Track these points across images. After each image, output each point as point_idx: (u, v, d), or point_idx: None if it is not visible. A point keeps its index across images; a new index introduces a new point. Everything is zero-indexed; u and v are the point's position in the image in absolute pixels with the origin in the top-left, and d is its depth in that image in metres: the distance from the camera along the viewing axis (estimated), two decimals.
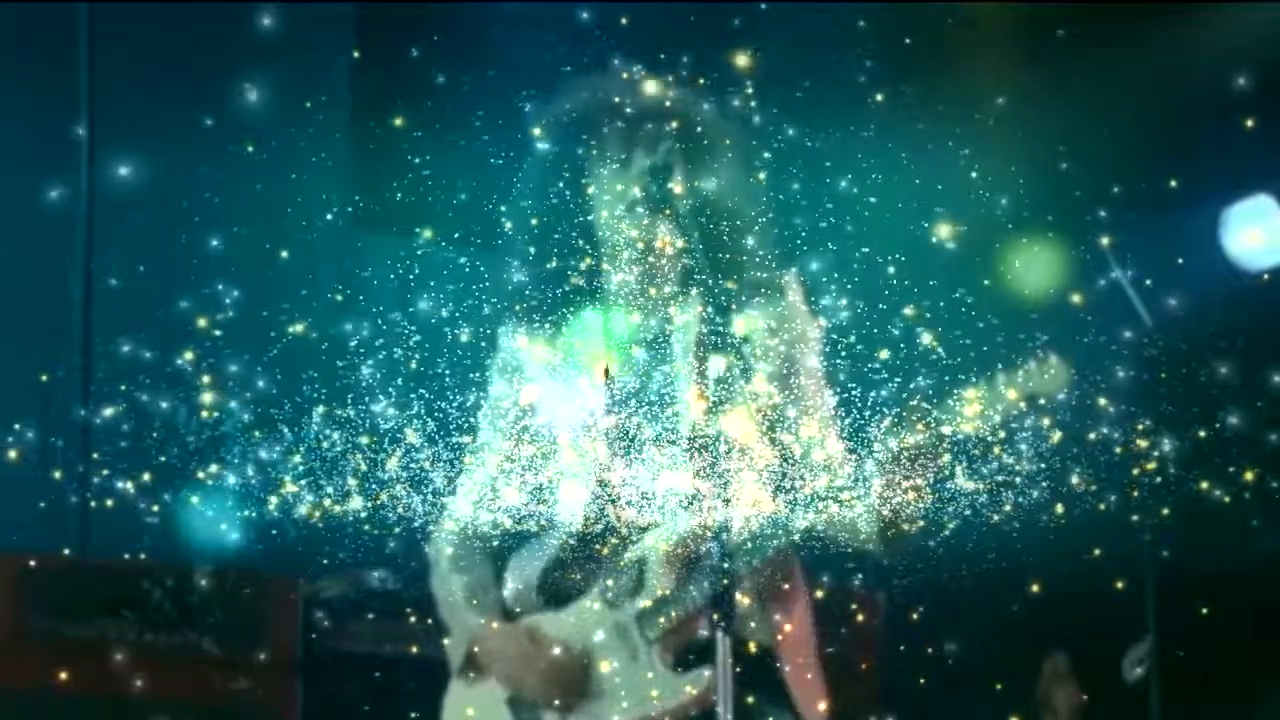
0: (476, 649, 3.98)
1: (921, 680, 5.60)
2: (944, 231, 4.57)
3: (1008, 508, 4.00)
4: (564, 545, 3.96)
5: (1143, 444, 4.64)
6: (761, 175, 4.12)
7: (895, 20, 5.28)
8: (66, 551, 5.37)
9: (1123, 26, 5.52)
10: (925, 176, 4.74)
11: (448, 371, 4.16)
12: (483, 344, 4.15)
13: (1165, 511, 5.01)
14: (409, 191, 4.73)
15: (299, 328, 4.83)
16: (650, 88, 4.06)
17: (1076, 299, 4.92)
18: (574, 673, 3.93)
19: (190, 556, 5.05)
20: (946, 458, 3.78)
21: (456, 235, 4.76)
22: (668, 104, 4.03)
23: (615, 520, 3.93)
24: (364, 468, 4.15)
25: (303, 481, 4.28)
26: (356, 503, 4.17)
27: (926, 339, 4.27)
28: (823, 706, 3.94)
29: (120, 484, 5.05)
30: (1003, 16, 5.55)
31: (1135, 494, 4.79)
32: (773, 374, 3.93)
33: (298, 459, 4.32)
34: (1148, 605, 5.27)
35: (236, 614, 5.08)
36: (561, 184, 4.04)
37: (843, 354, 4.07)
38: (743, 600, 3.86)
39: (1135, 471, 4.71)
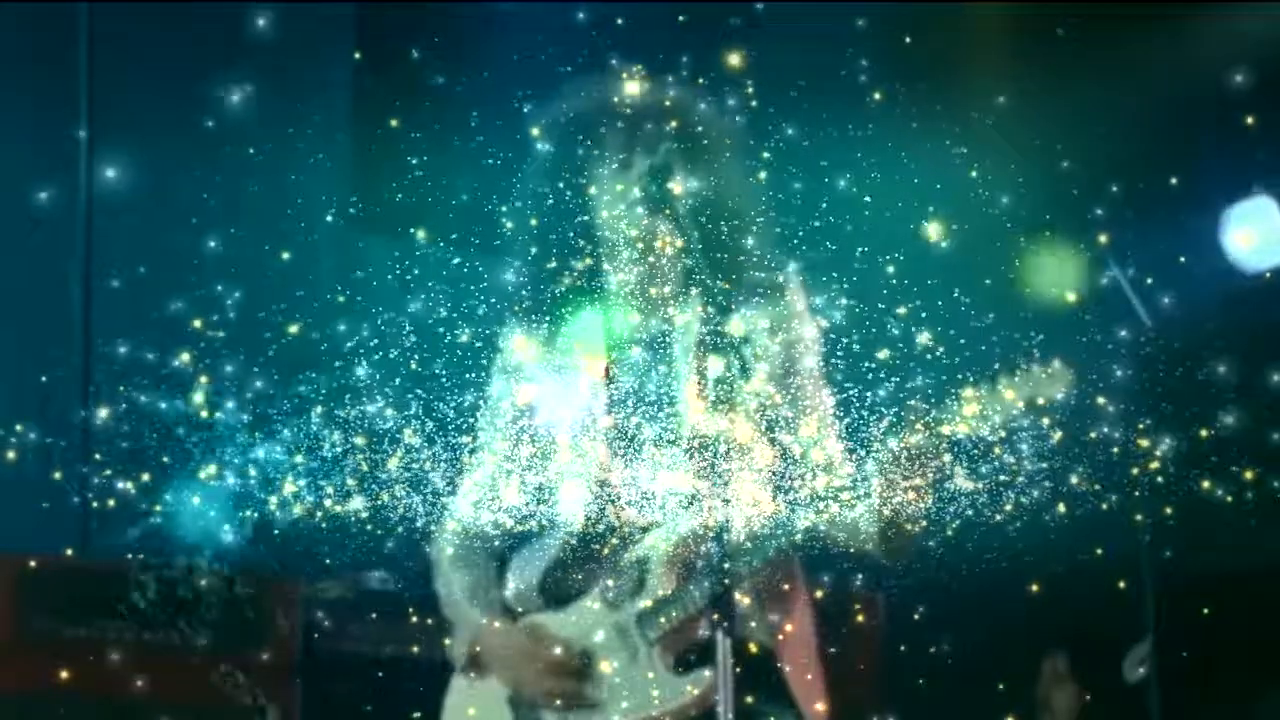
0: (478, 648, 3.98)
1: (921, 680, 5.60)
2: (943, 231, 4.56)
3: (1007, 508, 4.01)
4: (565, 545, 3.97)
5: (1143, 444, 4.64)
6: (761, 174, 4.12)
7: (894, 19, 5.28)
8: (70, 552, 5.37)
9: (1122, 26, 5.52)
10: (925, 176, 4.74)
11: (448, 372, 4.16)
12: (482, 344, 4.15)
13: (1166, 511, 5.01)
14: (408, 192, 4.73)
15: (298, 328, 4.83)
16: (649, 87, 4.06)
17: (1076, 299, 4.92)
18: (574, 672, 3.93)
19: (190, 557, 5.05)
20: (946, 458, 3.78)
21: (456, 236, 4.77)
22: (667, 104, 4.03)
23: (616, 520, 3.93)
24: (364, 468, 4.16)
25: (302, 482, 4.29)
26: (356, 503, 4.17)
27: (925, 339, 4.27)
28: (822, 706, 3.94)
29: (120, 484, 5.06)
30: (1002, 16, 5.55)
31: (1135, 494, 4.79)
32: (772, 374, 3.93)
33: (297, 459, 4.32)
34: (1147, 605, 5.26)
35: (236, 614, 5.08)
36: (561, 184, 4.03)
37: (842, 354, 4.07)
38: (743, 600, 3.86)
39: (1135, 471, 4.71)
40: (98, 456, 5.35)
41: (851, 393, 3.97)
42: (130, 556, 5.05)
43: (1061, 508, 4.16)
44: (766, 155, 4.19)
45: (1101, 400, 4.26)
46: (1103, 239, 5.14)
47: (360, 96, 5.90)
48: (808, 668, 3.95)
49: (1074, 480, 4.18)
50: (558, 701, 3.92)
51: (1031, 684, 5.96)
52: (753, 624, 3.91)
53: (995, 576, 4.53)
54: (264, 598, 5.13)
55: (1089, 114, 5.32)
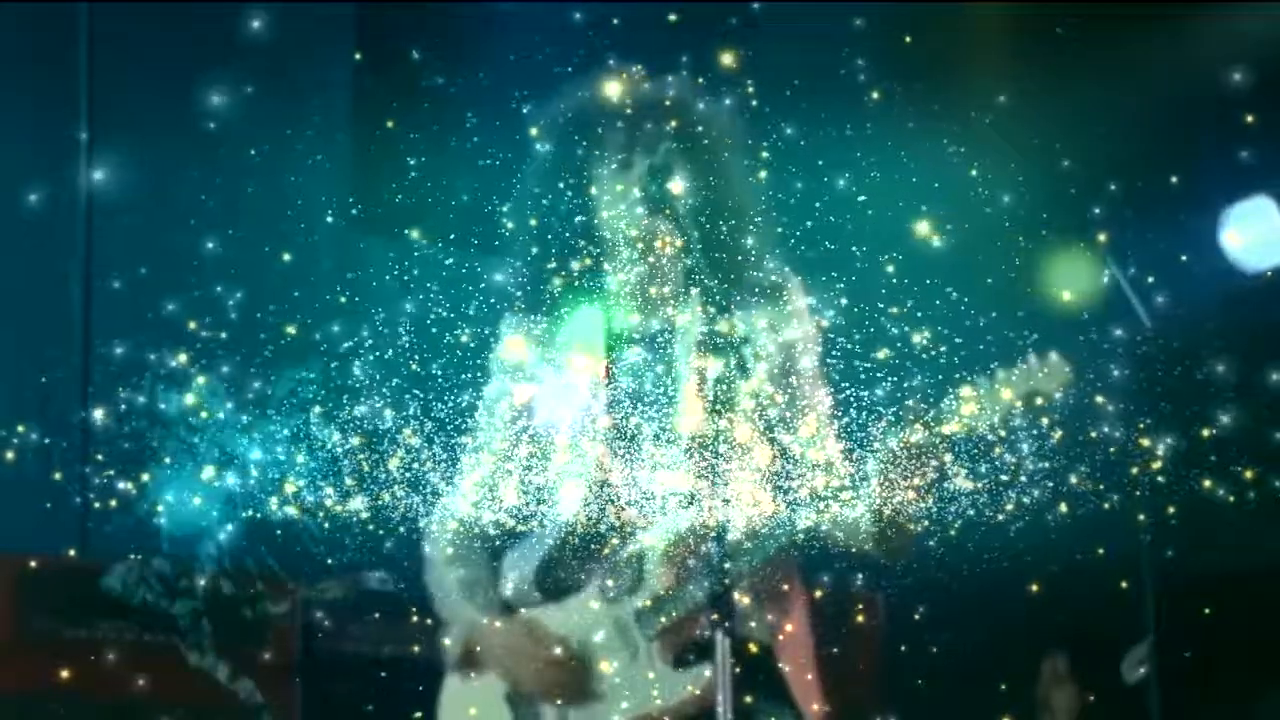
0: (474, 645, 3.98)
1: (921, 680, 5.60)
2: (943, 231, 4.57)
3: (1008, 507, 4.01)
4: (561, 542, 3.97)
5: (1143, 444, 4.64)
6: (761, 174, 4.12)
7: (893, 19, 5.28)
8: (73, 552, 5.37)
9: (1122, 26, 5.51)
10: (924, 175, 4.74)
11: (447, 372, 4.16)
12: (482, 344, 4.15)
13: (1166, 511, 5.01)
14: (408, 193, 4.74)
15: (297, 329, 4.84)
16: (648, 87, 4.06)
17: (1075, 298, 4.92)
18: (572, 670, 3.93)
19: (190, 558, 5.06)
20: (945, 458, 3.78)
21: (455, 236, 4.77)
22: (666, 103, 4.03)
23: (614, 518, 3.94)
24: (364, 468, 4.16)
25: (301, 482, 4.29)
26: (356, 503, 4.17)
27: (924, 338, 4.27)
28: (820, 707, 3.94)
29: (120, 485, 5.06)
30: (1002, 16, 5.55)
31: (1135, 494, 4.79)
32: (772, 374, 3.93)
33: (297, 460, 4.32)
34: (1147, 606, 5.26)
35: (236, 615, 5.09)
36: (560, 184, 4.04)
37: (840, 353, 4.07)
38: (742, 600, 3.86)
39: (1135, 470, 4.71)
40: (100, 457, 5.35)
41: (850, 392, 3.97)
42: (130, 557, 5.06)
43: (1061, 508, 4.17)
44: (765, 155, 4.19)
45: (1100, 399, 4.26)
46: (1102, 239, 5.14)
47: (360, 97, 5.90)
48: (806, 668, 3.95)
49: (1073, 480, 4.18)
50: (556, 699, 3.92)
51: (1031, 684, 5.96)
52: (751, 623, 3.91)
53: (995, 577, 4.53)
54: (263, 598, 5.14)
55: (1089, 114, 5.32)
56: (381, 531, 4.19)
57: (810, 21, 5.33)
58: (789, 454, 3.87)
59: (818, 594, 4.10)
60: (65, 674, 4.89)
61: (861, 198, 4.58)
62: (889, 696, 5.59)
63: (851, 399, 3.95)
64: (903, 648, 5.61)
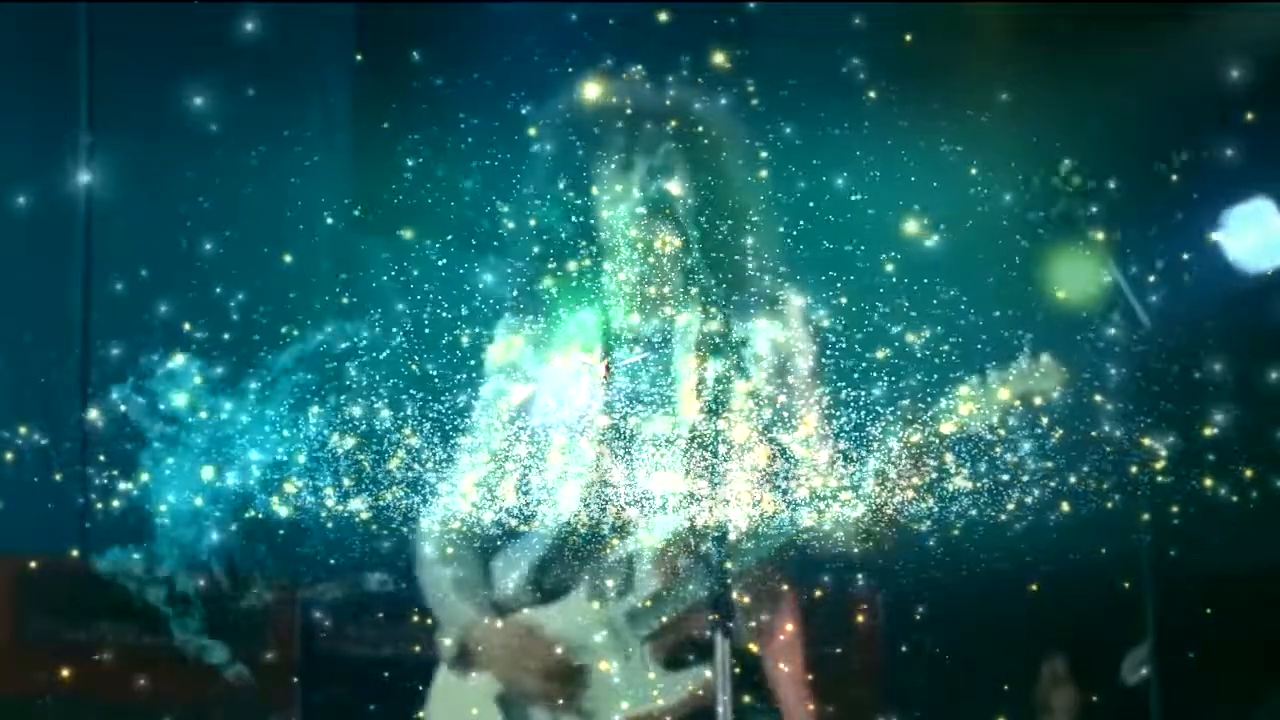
0: (466, 644, 3.99)
1: (919, 682, 5.60)
2: (942, 230, 4.56)
3: (1009, 507, 4.01)
4: (555, 542, 3.97)
5: (1143, 444, 4.63)
6: (762, 173, 4.13)
7: (892, 19, 5.27)
8: (75, 553, 5.37)
9: (1122, 26, 5.51)
10: (922, 174, 4.73)
11: (445, 372, 4.16)
12: (481, 344, 4.15)
13: (1166, 512, 5.00)
14: (408, 194, 4.73)
15: (297, 330, 4.83)
16: (648, 88, 4.06)
17: (1075, 298, 4.91)
18: (565, 671, 3.93)
19: (190, 559, 5.05)
20: (942, 458, 3.78)
21: (455, 237, 4.76)
22: (665, 104, 4.03)
23: (606, 518, 3.94)
24: (365, 469, 4.16)
25: (302, 483, 4.29)
26: (356, 504, 4.18)
27: (922, 338, 4.27)
28: (811, 709, 3.95)
29: (121, 486, 5.05)
30: (1000, 15, 5.54)
31: (1136, 494, 4.78)
32: (769, 376, 3.94)
33: (296, 461, 4.32)
34: (1147, 607, 5.26)
35: (236, 616, 5.09)
36: (560, 185, 4.04)
37: (839, 353, 4.07)
38: (740, 601, 3.87)
39: (1134, 470, 4.71)
40: (101, 458, 5.35)
41: (848, 392, 3.97)
42: (130, 558, 5.05)
43: (1060, 509, 4.16)
44: (764, 154, 4.19)
45: (1099, 399, 4.26)
46: (1101, 238, 5.13)
47: (360, 98, 5.89)
48: (797, 671, 3.96)
49: (1073, 480, 4.18)
50: (548, 700, 3.92)
51: (1031, 685, 5.95)
52: (744, 626, 3.91)
53: (993, 578, 4.53)
54: (263, 599, 5.14)
55: (1089, 114, 5.32)
56: (383, 531, 4.19)
57: (808, 20, 5.33)
58: (785, 455, 3.88)
59: (816, 594, 4.11)
60: (65, 676, 4.90)
61: (858, 197, 4.57)
62: (887, 698, 5.59)
63: (849, 399, 3.95)
64: (902, 648, 5.61)
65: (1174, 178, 5.36)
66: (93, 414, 5.36)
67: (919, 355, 4.25)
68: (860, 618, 5.48)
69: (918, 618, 5.36)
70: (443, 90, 5.24)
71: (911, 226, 4.57)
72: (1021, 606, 5.25)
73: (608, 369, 4.03)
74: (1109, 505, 4.45)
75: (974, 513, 4.00)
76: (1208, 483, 4.94)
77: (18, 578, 4.98)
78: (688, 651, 3.92)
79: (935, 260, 4.59)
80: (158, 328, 5.17)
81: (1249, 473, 5.09)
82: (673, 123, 4.01)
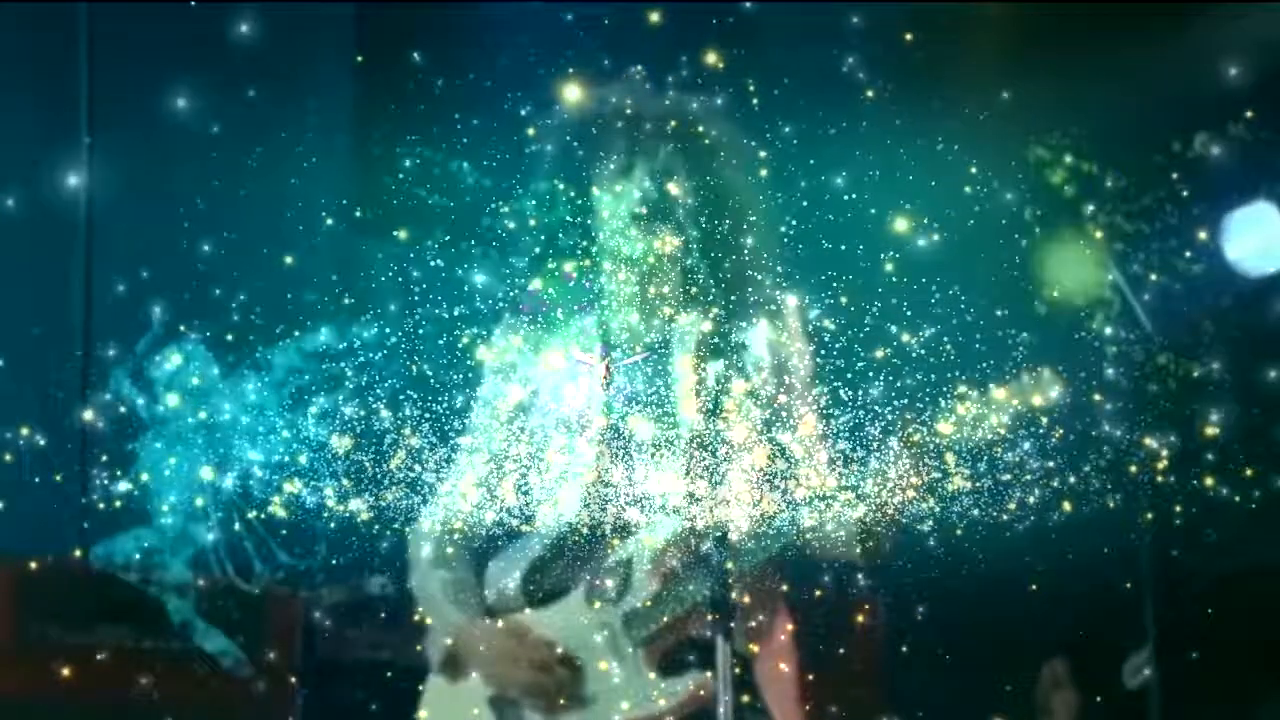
0: (459, 647, 3.99)
1: (918, 683, 5.59)
2: (940, 230, 4.56)
3: (1010, 506, 4.00)
4: (549, 545, 3.97)
5: (1143, 444, 4.63)
6: (762, 172, 4.13)
7: (890, 18, 5.27)
8: (79, 553, 5.37)
9: (1122, 26, 5.50)
10: (920, 174, 4.73)
11: (445, 373, 4.16)
12: (480, 345, 4.15)
13: (1166, 512, 5.00)
14: (408, 195, 4.73)
15: (298, 330, 4.83)
16: (648, 89, 4.07)
17: (1075, 298, 4.91)
18: (559, 675, 3.93)
19: (191, 560, 5.06)
20: (942, 458, 3.79)
21: (455, 237, 4.76)
22: (666, 104, 4.04)
23: (603, 521, 3.94)
24: (365, 469, 4.16)
25: (302, 484, 4.29)
26: (356, 504, 4.18)
27: (921, 339, 4.27)
28: (806, 709, 3.95)
29: (121, 487, 5.06)
30: (1000, 15, 5.53)
31: (1136, 494, 4.78)
32: (768, 377, 3.94)
33: (296, 461, 4.32)
34: (1148, 609, 5.25)
35: (237, 618, 5.09)
36: (560, 186, 4.04)
37: (837, 352, 4.07)
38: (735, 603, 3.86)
39: (1134, 469, 4.70)
40: (104, 458, 5.35)
41: (846, 392, 3.97)
42: (131, 560, 5.06)
43: (1059, 510, 4.16)
44: (764, 154, 4.19)
45: (1099, 399, 4.26)
46: (1101, 238, 5.13)
47: (360, 98, 5.89)
48: (793, 672, 3.96)
49: (1072, 480, 4.18)
50: (541, 704, 3.92)
51: (1031, 686, 5.95)
52: (741, 627, 3.91)
53: (993, 578, 4.53)
54: (263, 600, 5.14)
55: (1088, 114, 5.32)
56: (382, 531, 4.19)
57: (806, 19, 5.32)
58: (781, 457, 3.88)
59: (816, 594, 4.11)
60: (65, 678, 4.90)
61: (857, 197, 4.57)
62: (886, 698, 5.58)
63: (848, 399, 3.95)
64: (902, 648, 5.61)
65: (1174, 177, 5.36)
66: (93, 415, 5.37)
67: (918, 355, 4.25)
68: (860, 618, 5.48)
69: (918, 618, 5.36)
70: (443, 91, 5.24)
71: (911, 226, 4.56)
72: (1021, 607, 5.25)
73: (608, 369, 4.03)
74: (1110, 505, 4.45)
75: (975, 512, 4.00)
76: (1208, 482, 4.94)
77: (18, 579, 4.97)
78: (684, 654, 3.92)
79: (935, 260, 4.59)
80: (158, 328, 5.17)
81: (1249, 472, 5.08)
82: (672, 123, 4.01)
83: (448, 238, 4.64)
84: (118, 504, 5.10)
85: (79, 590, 5.04)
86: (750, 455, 3.84)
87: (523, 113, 4.28)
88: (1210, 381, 5.22)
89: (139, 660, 4.99)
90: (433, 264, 4.62)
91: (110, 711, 4.97)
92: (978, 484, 3.95)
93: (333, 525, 4.27)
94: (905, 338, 4.23)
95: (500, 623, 3.99)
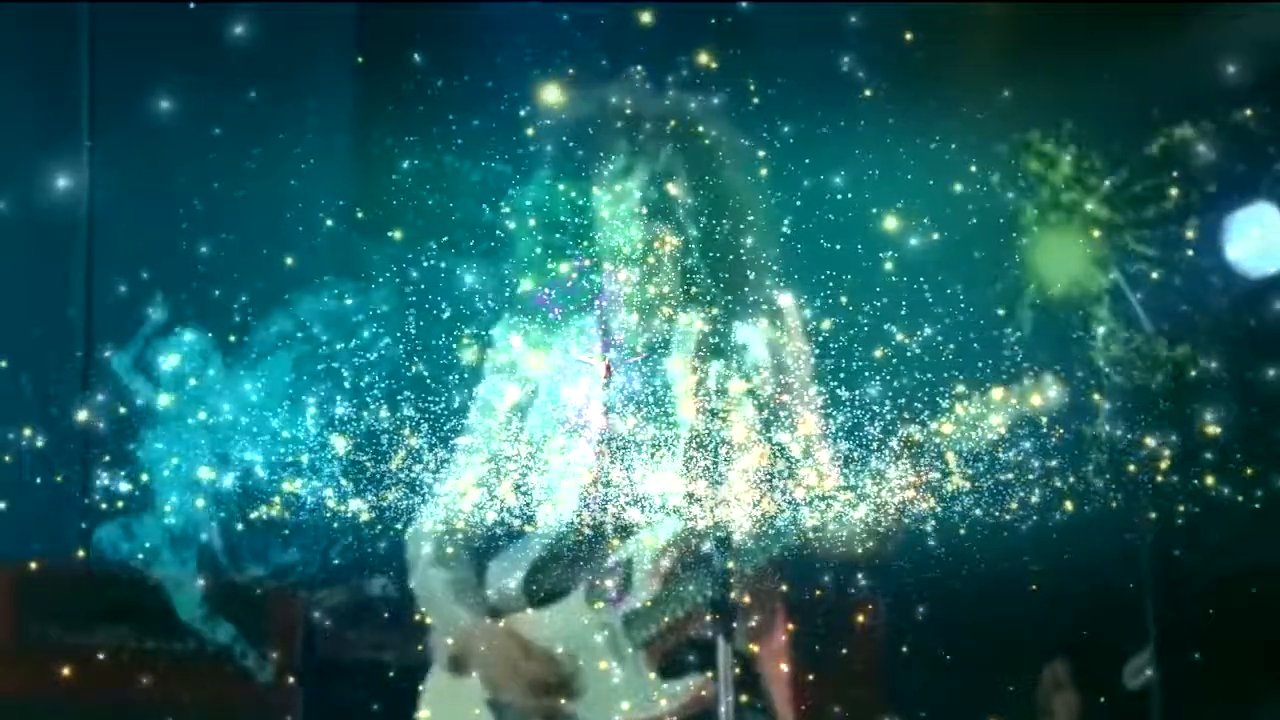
0: (459, 648, 3.99)
1: (919, 683, 5.60)
2: (939, 230, 4.57)
3: (1012, 506, 4.01)
4: (550, 546, 3.97)
5: (1143, 444, 4.63)
6: (762, 171, 4.13)
7: (890, 17, 5.27)
8: (81, 553, 5.37)
9: (1121, 26, 5.50)
10: (919, 174, 4.73)
11: (444, 373, 4.16)
12: (480, 344, 4.15)
13: (1167, 512, 5.00)
14: (408, 195, 4.73)
15: (298, 331, 4.84)
16: (649, 90, 4.07)
17: (1074, 297, 4.91)
18: (558, 676, 3.93)
19: (191, 562, 5.06)
20: (940, 460, 3.79)
21: (455, 238, 4.76)
22: (666, 105, 4.04)
23: (603, 522, 3.94)
24: (365, 469, 4.16)
25: (302, 484, 4.29)
26: (356, 504, 4.18)
27: (920, 339, 4.27)
28: (804, 709, 3.95)
29: (122, 489, 5.06)
30: (1000, 14, 5.54)
31: (1137, 495, 4.78)
32: (767, 380, 3.94)
33: (298, 462, 4.33)
34: (1148, 610, 5.25)
35: (237, 619, 5.09)
36: (560, 186, 4.04)
37: (836, 353, 4.07)
38: (739, 603, 3.87)
39: (1133, 469, 4.71)
40: (106, 458, 5.35)
41: (845, 392, 3.97)
42: (131, 561, 5.06)
43: (1063, 508, 4.16)
44: (762, 154, 4.19)
45: (1098, 399, 4.26)
46: (1101, 238, 5.14)
47: (360, 98, 5.89)
48: (793, 672, 3.96)
49: (1073, 480, 4.18)
50: (541, 705, 3.92)
51: (1032, 686, 5.95)
52: (741, 627, 3.91)
53: (992, 580, 4.53)
54: (264, 602, 5.14)
55: (1088, 115, 5.32)
56: (383, 531, 4.19)
57: (805, 19, 5.33)
58: (780, 460, 3.88)
59: (816, 594, 4.11)
60: (66, 679, 4.90)
61: (855, 196, 4.57)
62: (887, 698, 5.59)
63: (847, 399, 3.95)
64: (902, 649, 5.61)
65: (1174, 175, 5.36)
66: (93, 415, 5.37)
67: (918, 355, 4.25)
68: (860, 618, 5.48)
69: (918, 618, 5.36)
70: (442, 91, 5.24)
71: (910, 226, 4.57)
72: (1022, 607, 5.25)
73: (608, 369, 4.03)
74: (1111, 505, 4.45)
75: (976, 512, 4.00)
76: (1209, 482, 4.94)
77: (19, 582, 4.98)
78: (685, 655, 3.92)
79: (934, 259, 4.59)
80: (158, 326, 5.17)
81: (1250, 472, 5.09)
82: (671, 123, 4.01)
83: (446, 238, 4.65)
84: (119, 504, 5.11)
85: (79, 590, 5.04)
86: (750, 455, 3.84)
87: (522, 113, 4.28)
88: (1210, 381, 5.22)
89: (139, 660, 4.99)
90: (432, 264, 4.62)
91: (110, 711, 4.97)
92: (978, 484, 3.95)
93: (335, 525, 4.27)
94: (904, 337, 4.23)
95: (501, 623, 3.99)
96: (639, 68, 4.12)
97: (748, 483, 3.82)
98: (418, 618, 4.12)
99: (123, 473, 5.05)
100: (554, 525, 3.96)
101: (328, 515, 4.24)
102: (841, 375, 4.03)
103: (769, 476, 3.85)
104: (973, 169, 4.83)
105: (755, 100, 4.39)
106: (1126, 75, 5.42)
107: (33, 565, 5.05)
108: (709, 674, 3.70)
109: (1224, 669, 5.51)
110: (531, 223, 4.07)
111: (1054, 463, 4.08)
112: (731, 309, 3.90)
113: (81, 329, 5.82)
